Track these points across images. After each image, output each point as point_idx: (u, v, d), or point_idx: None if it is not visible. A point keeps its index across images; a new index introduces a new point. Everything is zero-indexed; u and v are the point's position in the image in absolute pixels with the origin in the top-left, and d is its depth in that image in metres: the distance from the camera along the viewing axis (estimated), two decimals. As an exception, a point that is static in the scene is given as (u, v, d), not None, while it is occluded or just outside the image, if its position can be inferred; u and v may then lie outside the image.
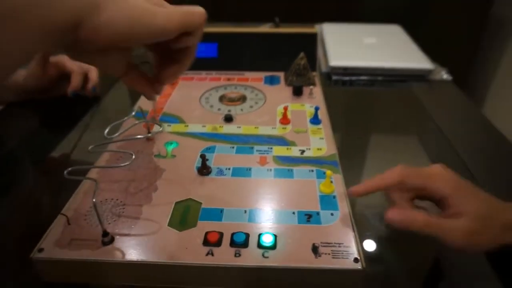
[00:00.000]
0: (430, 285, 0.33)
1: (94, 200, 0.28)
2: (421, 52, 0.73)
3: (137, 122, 0.41)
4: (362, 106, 0.64)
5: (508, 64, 1.53)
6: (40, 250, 0.30)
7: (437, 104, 0.61)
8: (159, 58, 0.31)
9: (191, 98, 0.53)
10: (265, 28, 0.64)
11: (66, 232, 0.31)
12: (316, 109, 0.47)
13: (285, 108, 0.47)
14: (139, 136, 0.41)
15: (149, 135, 0.42)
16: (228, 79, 0.59)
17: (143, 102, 0.51)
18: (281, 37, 0.61)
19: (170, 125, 0.46)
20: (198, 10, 0.28)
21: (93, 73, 0.57)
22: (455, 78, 0.71)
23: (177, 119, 0.48)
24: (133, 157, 0.32)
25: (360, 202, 0.37)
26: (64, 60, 0.55)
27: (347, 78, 0.69)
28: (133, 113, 0.41)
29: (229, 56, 0.62)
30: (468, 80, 1.68)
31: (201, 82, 0.58)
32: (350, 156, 0.47)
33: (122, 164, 0.31)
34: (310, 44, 0.61)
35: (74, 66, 0.55)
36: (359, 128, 0.57)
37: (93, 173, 0.38)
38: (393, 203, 0.32)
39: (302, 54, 0.56)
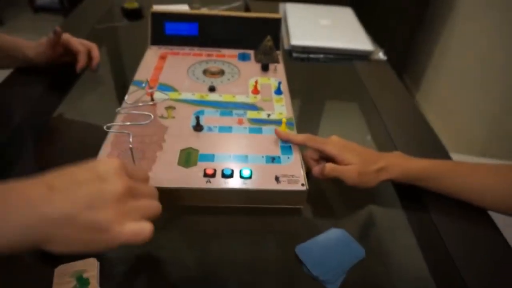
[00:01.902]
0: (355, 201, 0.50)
1: (130, 146, 0.42)
2: (365, 35, 0.89)
3: (149, 90, 0.54)
4: (315, 79, 0.80)
5: (442, 44, 1.74)
6: (90, 180, 0.43)
7: (372, 79, 0.78)
8: None
9: (180, 71, 0.66)
10: (238, 12, 0.77)
11: (105, 169, 0.44)
12: (279, 83, 0.62)
13: (256, 82, 0.61)
14: (150, 103, 0.54)
15: (154, 101, 0.55)
16: (208, 55, 0.71)
17: (141, 74, 0.63)
18: (252, 20, 0.74)
19: (166, 93, 0.59)
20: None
21: (95, 51, 0.67)
22: (397, 54, 0.87)
23: (171, 88, 0.60)
24: (152, 117, 0.45)
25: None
26: (70, 40, 0.65)
27: (305, 55, 0.84)
28: (143, 85, 0.53)
29: (208, 34, 0.74)
30: (408, 56, 1.89)
31: (186, 56, 0.71)
32: (303, 118, 0.63)
33: (146, 122, 0.44)
34: (275, 26, 0.74)
35: (79, 46, 0.65)
36: (312, 97, 0.73)
37: (115, 129, 0.51)
38: (305, 158, 0.49)
39: (269, 37, 0.70)
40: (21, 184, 0.29)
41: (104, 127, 0.44)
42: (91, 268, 0.39)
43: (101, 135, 0.49)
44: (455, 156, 0.60)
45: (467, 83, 1.53)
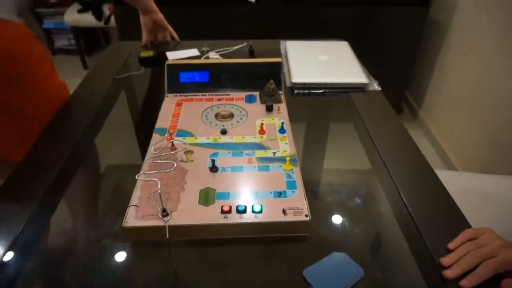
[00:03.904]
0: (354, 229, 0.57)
1: (159, 192, 0.50)
2: (361, 68, 0.98)
3: (170, 141, 0.63)
4: (316, 112, 0.88)
5: (441, 63, 1.81)
6: (127, 222, 0.51)
7: (367, 109, 0.85)
8: None
9: (195, 116, 0.75)
10: (244, 59, 0.86)
11: (138, 212, 0.53)
12: (282, 123, 0.70)
13: (262, 123, 0.70)
14: (172, 152, 0.63)
15: (174, 146, 0.64)
16: (219, 99, 0.80)
17: (161, 122, 0.72)
18: (256, 65, 0.83)
19: (185, 138, 0.68)
20: None
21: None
22: (399, 73, 0.95)
23: (188, 134, 0.69)
24: (175, 165, 0.54)
25: (310, 188, 0.61)
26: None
27: (305, 91, 0.92)
28: (166, 135, 0.62)
29: (218, 80, 0.83)
30: (410, 74, 1.96)
31: (199, 102, 0.80)
32: (306, 153, 0.71)
33: (170, 169, 0.53)
34: (276, 69, 0.83)
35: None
36: (314, 131, 0.81)
37: (144, 177, 0.59)
38: None
39: (271, 81, 0.79)
40: None
41: (136, 177, 0.53)
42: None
43: (127, 177, 0.58)
44: (459, 173, 0.67)
45: (466, 100, 1.59)
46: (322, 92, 0.92)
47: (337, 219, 0.58)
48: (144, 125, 0.83)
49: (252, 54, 1.06)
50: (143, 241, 0.54)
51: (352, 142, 0.77)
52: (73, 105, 0.86)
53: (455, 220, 0.57)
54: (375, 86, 0.94)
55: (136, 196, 0.55)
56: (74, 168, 0.67)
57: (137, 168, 0.61)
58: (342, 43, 1.13)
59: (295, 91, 0.92)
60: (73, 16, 2.43)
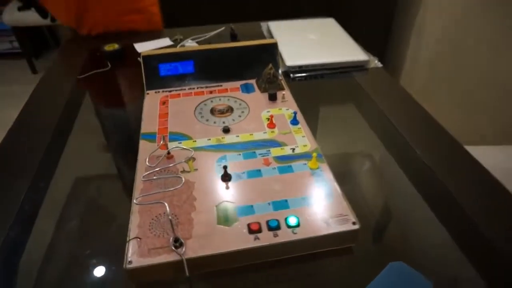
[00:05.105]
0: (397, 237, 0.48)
1: (170, 217, 0.38)
2: (357, 45, 0.89)
3: (168, 149, 0.50)
4: (321, 97, 0.78)
5: (417, 28, 1.77)
6: (130, 262, 0.39)
7: (374, 87, 0.77)
8: None
9: (187, 114, 0.62)
10: (232, 43, 0.74)
11: (142, 246, 0.41)
12: (294, 113, 0.59)
13: (271, 116, 0.59)
14: (171, 164, 0.50)
15: (171, 154, 0.52)
16: (211, 92, 0.68)
17: (147, 126, 0.59)
18: (248, 48, 0.72)
19: (181, 142, 0.55)
20: None
21: None
22: (376, 50, 0.88)
23: (184, 137, 0.57)
24: (183, 180, 0.42)
25: (344, 185, 0.51)
26: None
27: (302, 74, 0.82)
28: (161, 141, 0.50)
29: (205, 70, 0.71)
30: (386, 51, 1.91)
31: (188, 97, 0.67)
32: (322, 144, 0.61)
33: (178, 186, 0.41)
34: (272, 52, 0.72)
35: None
36: (323, 117, 0.71)
37: (145, 200, 0.46)
38: None
39: (270, 65, 0.67)
40: None
41: (134, 201, 0.41)
42: None
43: (113, 199, 0.46)
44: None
45: (446, 65, 1.56)
46: (321, 74, 0.82)
47: (379, 219, 0.49)
48: (122, 131, 0.70)
49: (235, 38, 0.94)
50: (152, 283, 0.42)
51: (366, 126, 0.68)
52: (29, 118, 0.71)
53: (509, 204, 0.50)
54: (376, 63, 0.85)
55: (135, 225, 0.43)
56: (39, 196, 0.53)
57: (123, 186, 0.48)
58: (328, 20, 1.03)
59: (291, 76, 0.81)
60: (13, 15, 2.16)
